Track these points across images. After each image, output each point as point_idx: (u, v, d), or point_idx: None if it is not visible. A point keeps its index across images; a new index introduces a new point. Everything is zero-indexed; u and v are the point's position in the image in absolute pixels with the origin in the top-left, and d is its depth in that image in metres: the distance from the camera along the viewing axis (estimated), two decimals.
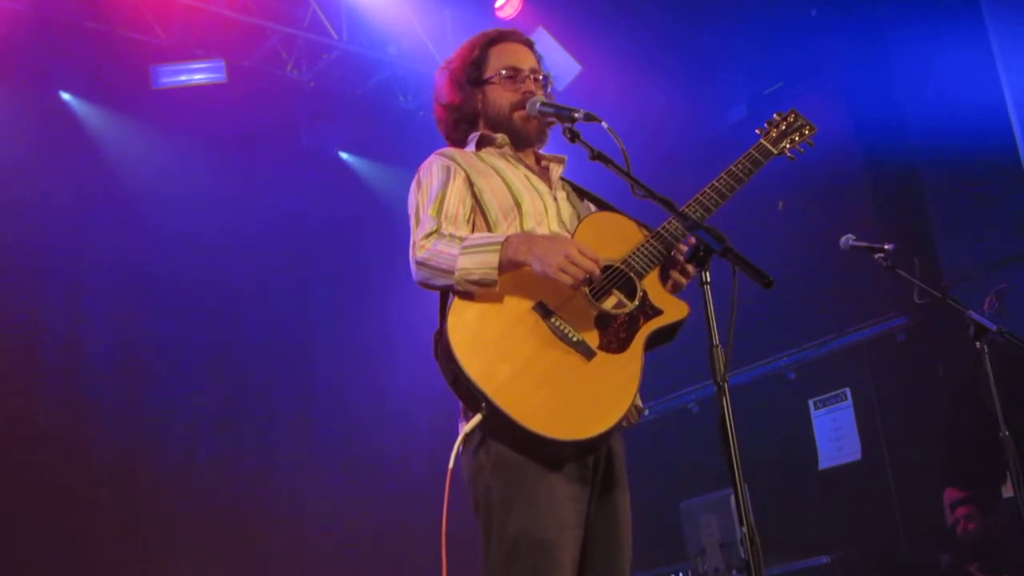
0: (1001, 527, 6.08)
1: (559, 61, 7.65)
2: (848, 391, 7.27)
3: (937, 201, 7.20)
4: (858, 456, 7.11)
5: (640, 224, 2.70)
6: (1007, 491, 5.93)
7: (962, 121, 6.65)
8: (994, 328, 3.83)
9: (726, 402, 2.18)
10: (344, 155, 8.50)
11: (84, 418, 6.66)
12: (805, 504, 7.07)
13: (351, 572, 7.34)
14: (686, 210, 2.62)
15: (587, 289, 2.52)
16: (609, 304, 2.55)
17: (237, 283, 7.47)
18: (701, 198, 2.69)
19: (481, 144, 2.84)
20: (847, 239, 4.07)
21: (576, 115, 2.65)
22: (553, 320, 2.48)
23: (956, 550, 6.24)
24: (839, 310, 7.33)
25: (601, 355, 2.48)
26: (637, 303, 2.57)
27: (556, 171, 2.84)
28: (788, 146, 2.92)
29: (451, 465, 2.40)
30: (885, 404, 7.02)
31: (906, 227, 7.08)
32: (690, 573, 6.64)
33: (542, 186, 2.76)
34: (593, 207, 2.88)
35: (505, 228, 2.63)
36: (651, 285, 2.62)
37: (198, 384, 7.21)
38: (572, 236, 2.62)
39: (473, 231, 2.65)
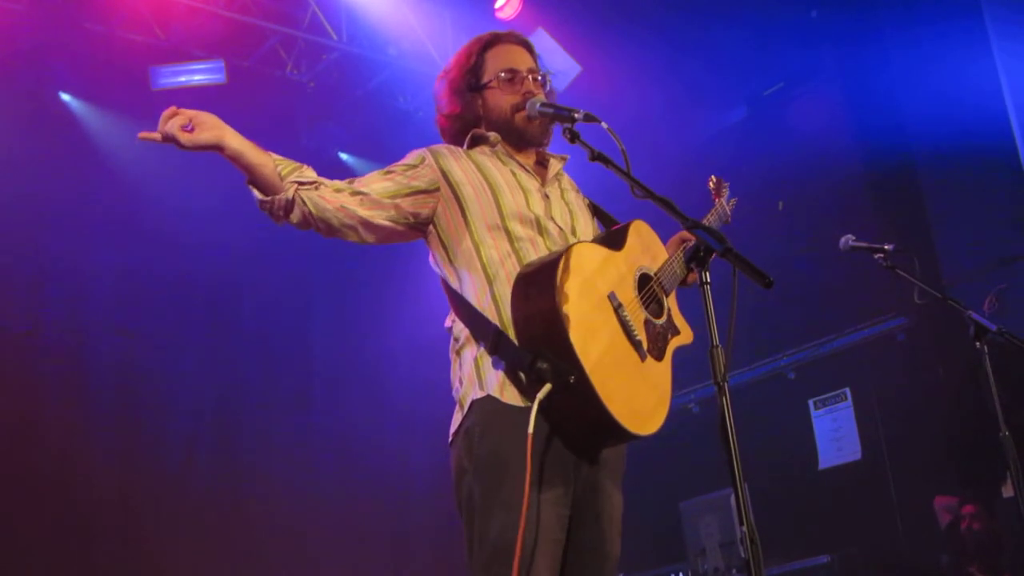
0: (1001, 527, 6.09)
1: (559, 62, 7.64)
2: (848, 391, 7.28)
3: (937, 201, 7.21)
4: (858, 456, 7.11)
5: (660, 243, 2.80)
6: (1007, 491, 5.94)
7: (962, 121, 6.66)
8: (994, 328, 3.83)
9: (726, 402, 2.17)
10: (344, 156, 8.49)
11: (83, 420, 6.64)
12: (805, 504, 7.08)
13: (350, 575, 7.34)
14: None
15: (637, 295, 2.58)
16: (652, 314, 2.62)
17: (237, 284, 7.47)
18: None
19: (475, 143, 2.83)
20: (847, 239, 4.07)
21: (576, 116, 2.64)
22: (622, 312, 2.50)
23: (956, 550, 6.25)
24: (839, 310, 7.34)
25: (649, 359, 2.54)
26: (667, 318, 2.66)
27: (553, 169, 2.82)
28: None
29: (531, 431, 2.30)
30: (885, 404, 7.03)
31: (906, 227, 7.09)
32: (690, 573, 6.64)
33: (531, 183, 2.74)
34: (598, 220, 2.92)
35: (484, 223, 2.63)
36: (672, 304, 2.72)
37: (198, 386, 7.21)
38: (625, 241, 2.66)
39: (451, 225, 2.66)
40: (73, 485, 6.46)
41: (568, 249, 2.47)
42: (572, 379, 2.32)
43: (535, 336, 2.40)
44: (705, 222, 3.01)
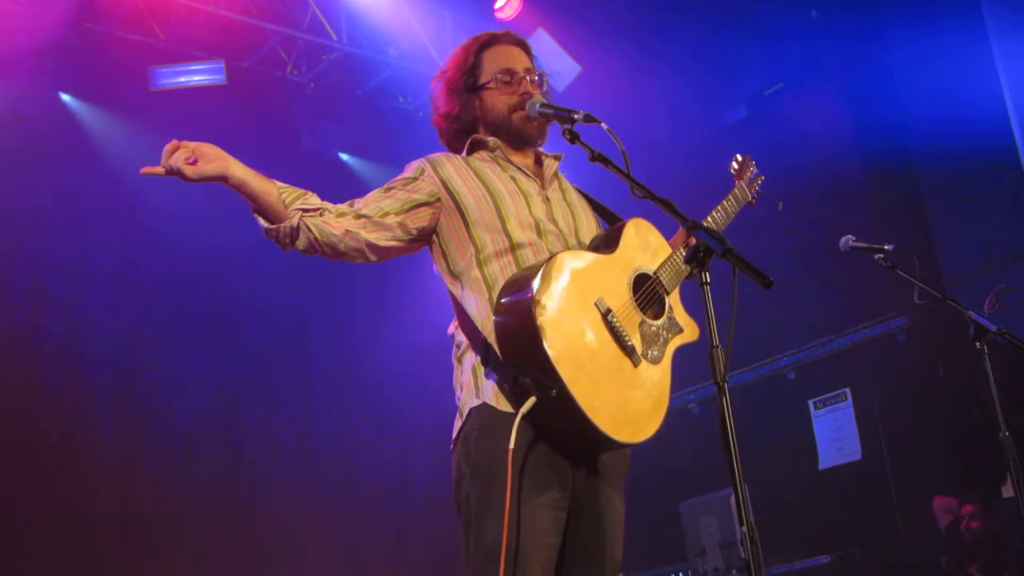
0: (1001, 527, 6.09)
1: (559, 62, 7.65)
2: (848, 391, 7.28)
3: (937, 201, 7.22)
4: (858, 456, 7.11)
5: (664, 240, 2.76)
6: (1007, 491, 5.94)
7: (962, 121, 6.66)
8: (994, 328, 3.83)
9: (726, 402, 2.17)
10: (344, 156, 8.49)
11: (83, 420, 6.64)
12: (805, 504, 7.08)
13: None
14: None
15: (634, 297, 2.55)
16: (650, 315, 2.59)
17: (236, 285, 7.46)
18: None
19: (474, 148, 2.82)
20: (847, 239, 4.07)
21: (576, 116, 2.64)
22: (611, 319, 2.47)
23: (956, 550, 6.25)
24: (839, 310, 7.34)
25: (644, 364, 2.50)
26: (667, 318, 2.62)
27: (550, 169, 2.82)
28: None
29: (511, 446, 2.31)
30: (885, 404, 7.03)
31: (906, 227, 7.09)
32: (690, 573, 6.64)
33: (531, 186, 2.74)
34: (598, 215, 2.90)
35: (485, 231, 2.62)
36: (675, 302, 2.68)
37: (198, 386, 7.20)
38: (619, 241, 2.63)
39: (453, 234, 2.65)
40: (73, 485, 6.45)
41: (549, 259, 2.46)
42: (554, 393, 2.31)
43: (515, 351, 2.40)
44: (719, 208, 3.03)
